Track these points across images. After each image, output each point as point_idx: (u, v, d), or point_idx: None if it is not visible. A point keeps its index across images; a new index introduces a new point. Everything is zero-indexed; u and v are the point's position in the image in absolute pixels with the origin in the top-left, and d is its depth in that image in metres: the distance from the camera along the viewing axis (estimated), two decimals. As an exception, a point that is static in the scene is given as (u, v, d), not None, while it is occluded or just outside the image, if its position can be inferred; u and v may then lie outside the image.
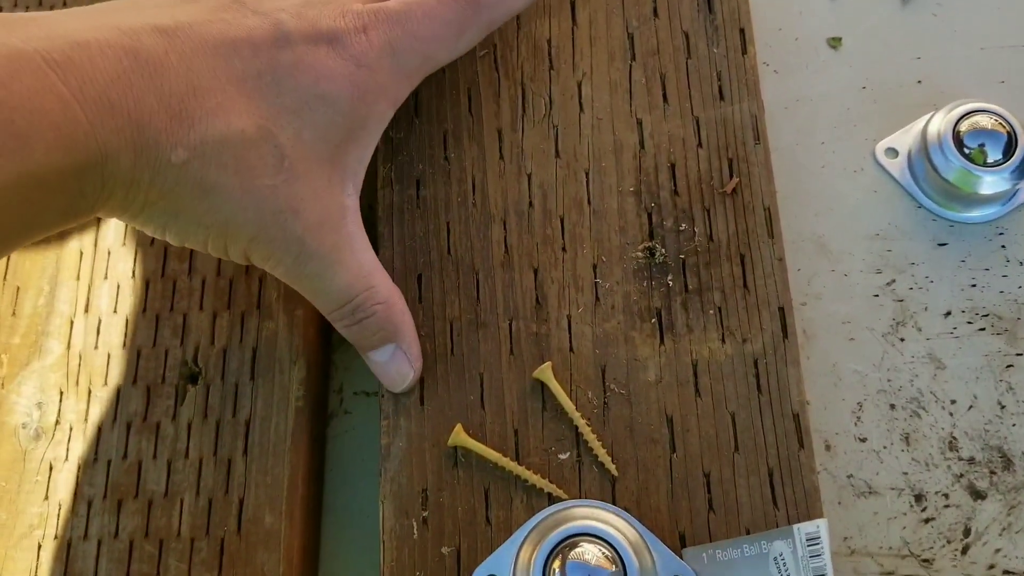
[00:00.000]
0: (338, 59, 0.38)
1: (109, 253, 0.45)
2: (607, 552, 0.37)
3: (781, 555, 0.34)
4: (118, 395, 0.43)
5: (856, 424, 0.44)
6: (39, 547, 0.41)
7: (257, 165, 0.36)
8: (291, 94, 0.37)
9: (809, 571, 0.33)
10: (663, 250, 0.43)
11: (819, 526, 0.32)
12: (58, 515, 0.42)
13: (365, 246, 0.40)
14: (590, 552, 0.36)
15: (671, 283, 0.43)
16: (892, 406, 0.44)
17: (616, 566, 0.36)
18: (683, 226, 0.43)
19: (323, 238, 0.38)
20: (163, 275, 0.44)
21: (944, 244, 0.46)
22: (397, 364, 0.41)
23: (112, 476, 0.42)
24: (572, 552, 0.36)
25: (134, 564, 0.41)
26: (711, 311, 0.42)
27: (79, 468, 0.42)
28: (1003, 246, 0.46)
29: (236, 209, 0.36)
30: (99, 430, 0.43)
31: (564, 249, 0.44)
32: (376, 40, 0.40)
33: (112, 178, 0.33)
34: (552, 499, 0.40)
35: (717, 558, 0.37)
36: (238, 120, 0.35)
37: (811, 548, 0.33)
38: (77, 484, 0.42)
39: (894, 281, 0.46)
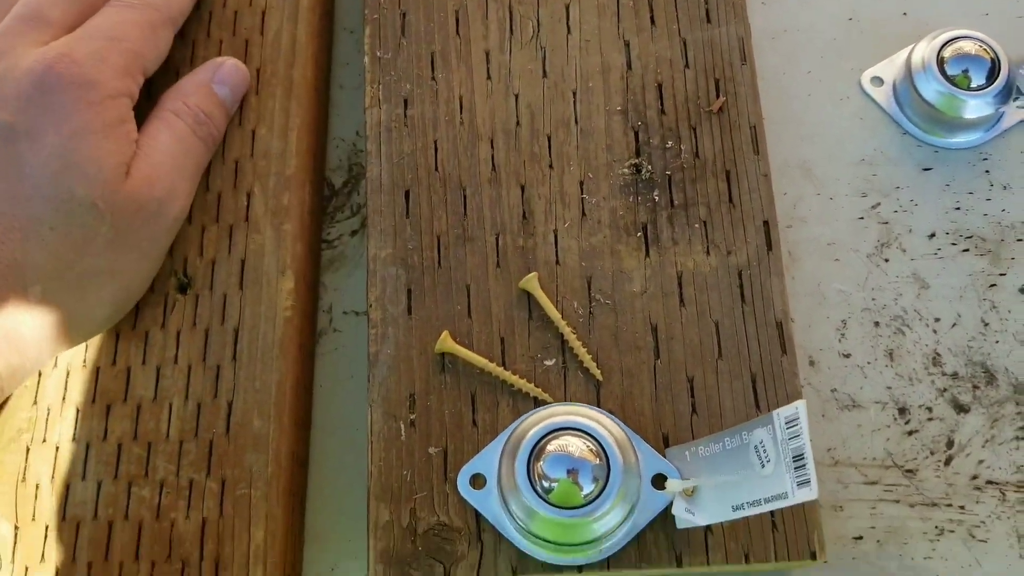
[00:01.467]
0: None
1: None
2: (591, 446, 0.37)
3: (761, 442, 0.34)
4: (109, 303, 0.43)
5: (840, 341, 0.44)
6: (27, 450, 0.42)
7: None
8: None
9: (788, 453, 0.33)
10: (649, 167, 0.44)
11: (797, 407, 0.33)
12: (47, 419, 0.42)
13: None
14: (574, 444, 0.37)
15: (657, 198, 0.43)
16: (876, 323, 0.44)
17: (600, 459, 0.37)
18: (669, 144, 0.44)
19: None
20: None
21: (929, 169, 0.47)
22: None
23: (101, 382, 0.42)
24: (556, 443, 0.37)
25: (122, 466, 0.41)
26: (696, 225, 0.43)
27: (67, 374, 0.43)
28: (987, 171, 0.47)
29: None
30: (89, 338, 0.43)
31: (551, 166, 0.44)
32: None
33: None
34: (538, 403, 0.40)
35: (699, 454, 0.37)
36: None
37: (790, 430, 0.33)
38: (66, 389, 0.42)
39: (879, 204, 0.46)
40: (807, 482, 0.31)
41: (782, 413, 0.33)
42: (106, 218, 0.40)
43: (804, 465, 0.32)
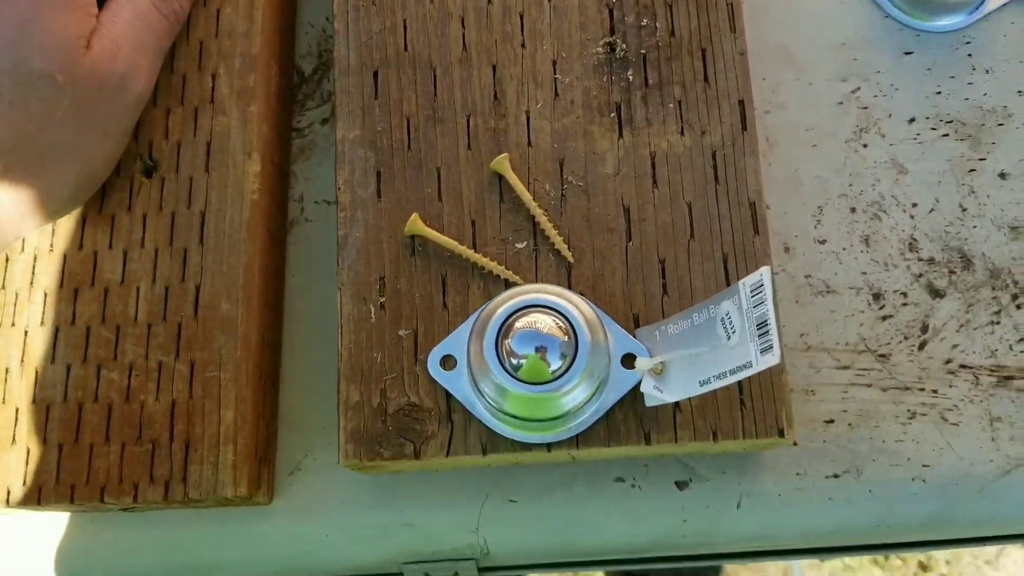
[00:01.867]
0: None
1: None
2: (560, 323, 0.37)
3: (727, 314, 0.34)
4: (73, 186, 0.42)
5: (816, 227, 0.44)
6: (-5, 334, 0.41)
7: None
8: None
9: (752, 321, 0.32)
10: (624, 45, 0.43)
11: (762, 274, 0.32)
12: (15, 304, 0.42)
13: None
14: (542, 321, 0.36)
15: (631, 78, 0.42)
16: (853, 209, 0.44)
17: (568, 336, 0.36)
18: (644, 21, 0.43)
19: None
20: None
21: (910, 53, 0.46)
22: None
23: (68, 266, 0.42)
24: (524, 320, 0.36)
25: (91, 349, 0.41)
26: (671, 105, 0.42)
27: (35, 258, 0.42)
28: (969, 55, 0.46)
29: None
30: (54, 221, 0.42)
31: (523, 45, 0.43)
32: None
33: None
34: (508, 285, 0.40)
35: (669, 333, 0.37)
36: None
37: (755, 297, 0.33)
38: (33, 274, 0.42)
39: (859, 89, 0.45)
40: (770, 348, 0.31)
41: (747, 282, 0.33)
42: (66, 92, 0.39)
43: (767, 332, 0.32)
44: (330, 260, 0.45)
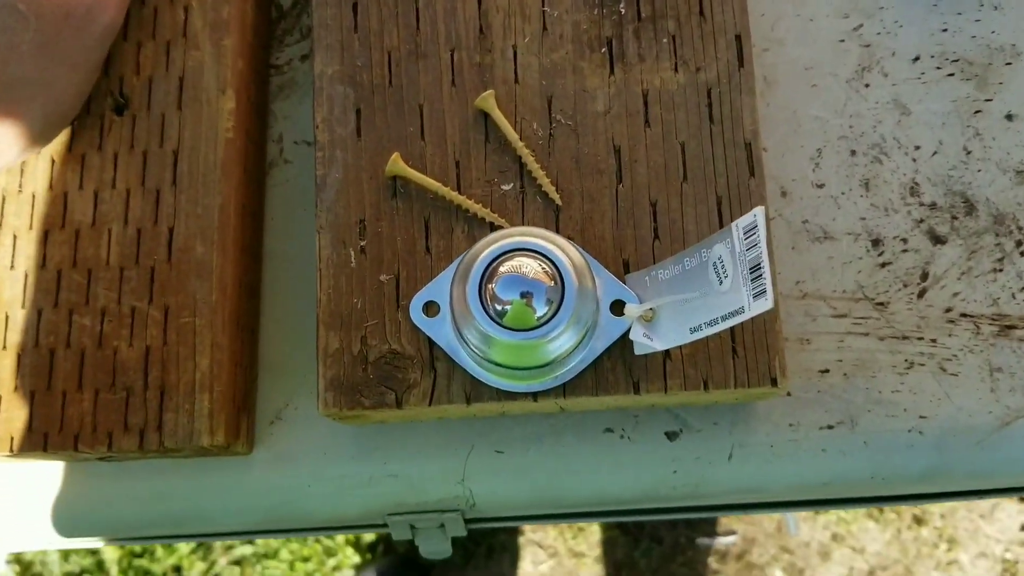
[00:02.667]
0: None
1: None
2: (546, 267, 0.35)
3: (720, 258, 0.32)
4: (41, 124, 0.41)
5: (814, 171, 0.42)
6: (-38, 278, 0.40)
7: None
8: None
9: (745, 264, 0.31)
10: (616, -23, 0.41)
11: (755, 215, 0.31)
12: (-19, 246, 0.40)
13: None
14: (528, 265, 0.35)
15: (623, 10, 0.40)
16: (853, 152, 0.42)
17: (555, 281, 0.35)
18: (638, -48, 0.41)
19: None
20: None
21: (917, -13, 0.44)
22: None
23: (37, 207, 0.40)
24: (509, 264, 0.35)
25: (62, 294, 0.39)
26: (664, 39, 0.40)
27: (3, 200, 0.41)
28: (978, -10, 0.44)
29: None
30: (23, 161, 0.41)
31: (512, -22, 0.41)
32: None
33: None
34: (494, 228, 0.39)
35: (659, 278, 0.36)
36: None
37: (748, 239, 0.31)
38: (2, 215, 0.40)
39: (861, 26, 0.43)
40: (763, 292, 0.30)
41: (740, 223, 0.31)
42: (30, 22, 0.37)
43: (761, 275, 0.30)
44: (311, 202, 0.43)
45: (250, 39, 0.43)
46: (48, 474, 0.42)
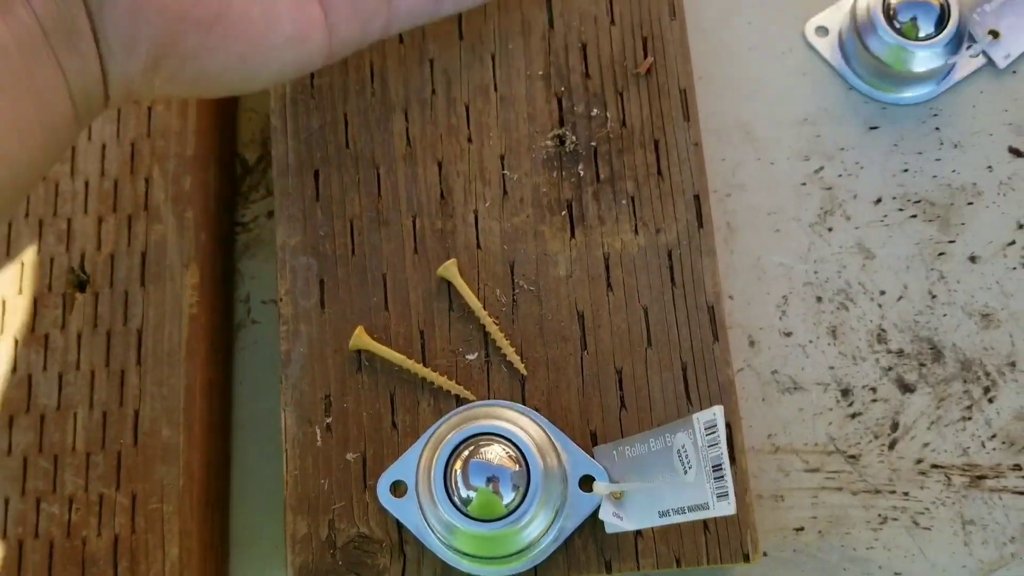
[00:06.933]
0: None
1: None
2: (510, 452, 0.35)
3: (683, 447, 0.32)
4: (3, 306, 0.41)
5: (781, 318, 0.42)
6: (-73, 466, 0.40)
7: None
8: None
9: (708, 461, 0.31)
10: (574, 137, 0.41)
11: (715, 413, 0.31)
12: (-54, 433, 0.40)
13: None
14: (493, 452, 0.35)
15: (582, 172, 0.40)
16: (819, 299, 0.42)
17: (520, 465, 0.35)
18: (595, 111, 0.41)
19: None
20: (44, 178, 0.42)
21: (876, 128, 0.44)
22: None
23: (2, 390, 0.40)
24: (473, 451, 0.35)
25: (29, 481, 0.39)
26: (624, 201, 0.40)
27: (-34, 384, 0.40)
28: (937, 128, 0.44)
29: None
30: (-14, 344, 0.41)
31: (470, 140, 0.41)
32: None
33: None
34: (460, 401, 0.38)
35: (627, 455, 0.36)
36: None
37: (709, 437, 0.31)
38: (-35, 401, 0.40)
39: (823, 168, 0.43)
40: (726, 495, 0.30)
41: (701, 418, 0.31)
42: None
43: (723, 476, 0.30)
44: (278, 365, 0.43)
45: (213, 207, 0.42)
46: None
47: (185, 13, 0.32)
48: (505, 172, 0.41)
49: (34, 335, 0.41)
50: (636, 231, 0.40)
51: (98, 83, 0.32)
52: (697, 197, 0.40)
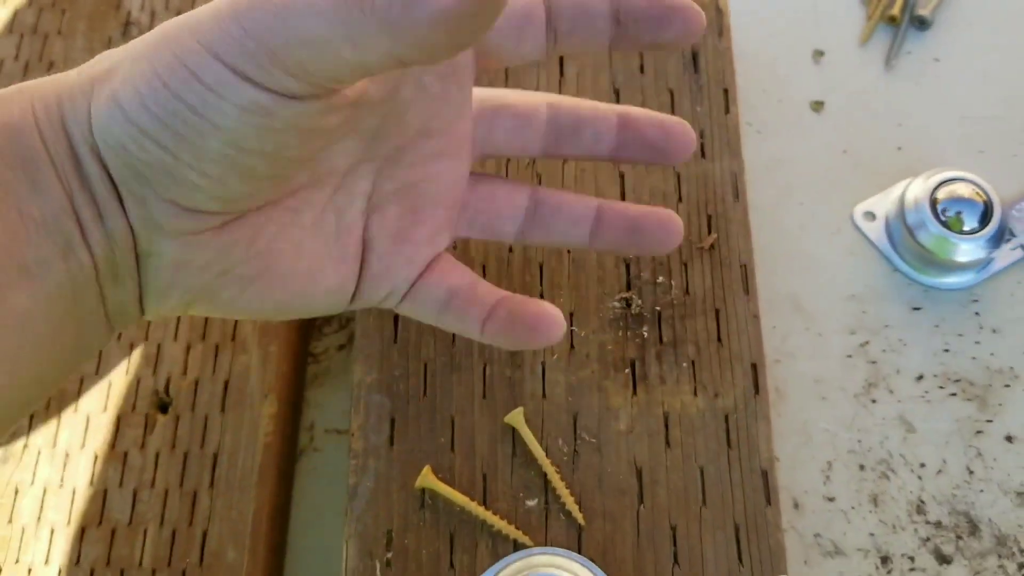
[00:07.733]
0: None
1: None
2: (569, 602, 0.36)
3: (742, 612, 0.34)
4: (87, 422, 0.43)
5: (825, 483, 0.44)
6: (-2, 572, 0.41)
7: None
8: None
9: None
10: (639, 301, 0.44)
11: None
12: (21, 539, 0.41)
13: None
14: (551, 601, 0.36)
15: (646, 334, 0.43)
16: (861, 467, 0.44)
17: (577, 616, 0.36)
18: (660, 279, 0.44)
19: None
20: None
21: (919, 308, 0.47)
22: None
23: (76, 503, 0.42)
24: (533, 600, 0.36)
25: (93, 594, 0.41)
26: (684, 364, 0.42)
27: (44, 493, 0.42)
28: (977, 313, 0.46)
29: None
30: (66, 456, 0.42)
31: (542, 296, 0.44)
32: None
33: None
34: (518, 545, 0.40)
35: (679, 613, 0.37)
36: None
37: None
38: (41, 509, 0.42)
39: (868, 343, 0.46)
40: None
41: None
42: None
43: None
44: (336, 493, 0.45)
45: (294, 339, 0.45)
46: None
47: (229, 269, 0.32)
48: (573, 328, 0.43)
49: (114, 451, 0.43)
50: (695, 393, 0.42)
51: (135, 309, 0.33)
52: (755, 366, 0.42)
